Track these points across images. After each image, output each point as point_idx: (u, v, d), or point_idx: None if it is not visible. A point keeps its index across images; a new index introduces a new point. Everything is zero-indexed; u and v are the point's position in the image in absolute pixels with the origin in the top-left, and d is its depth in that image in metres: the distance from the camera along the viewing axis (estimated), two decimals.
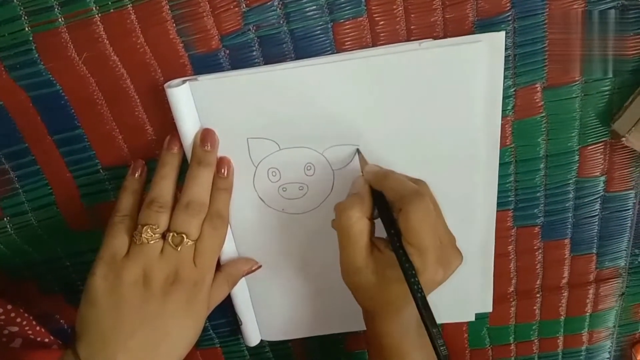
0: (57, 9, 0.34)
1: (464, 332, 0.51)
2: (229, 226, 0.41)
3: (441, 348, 0.31)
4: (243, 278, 0.43)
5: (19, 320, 0.44)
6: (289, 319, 0.48)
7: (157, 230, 0.36)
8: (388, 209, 0.35)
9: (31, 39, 0.34)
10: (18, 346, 0.44)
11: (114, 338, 0.34)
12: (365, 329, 0.41)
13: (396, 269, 0.34)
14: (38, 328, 0.46)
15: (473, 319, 0.48)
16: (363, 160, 0.38)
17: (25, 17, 0.34)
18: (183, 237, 0.36)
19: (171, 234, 0.36)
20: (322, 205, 0.41)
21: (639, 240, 0.45)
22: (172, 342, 0.36)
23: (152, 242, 0.36)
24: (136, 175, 0.39)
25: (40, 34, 0.34)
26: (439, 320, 0.48)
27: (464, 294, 0.46)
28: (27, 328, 0.45)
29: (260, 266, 0.44)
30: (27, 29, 0.34)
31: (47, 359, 0.46)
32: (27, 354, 0.44)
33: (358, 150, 0.38)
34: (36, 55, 0.35)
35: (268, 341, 0.50)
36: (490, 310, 0.47)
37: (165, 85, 0.35)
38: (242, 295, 0.45)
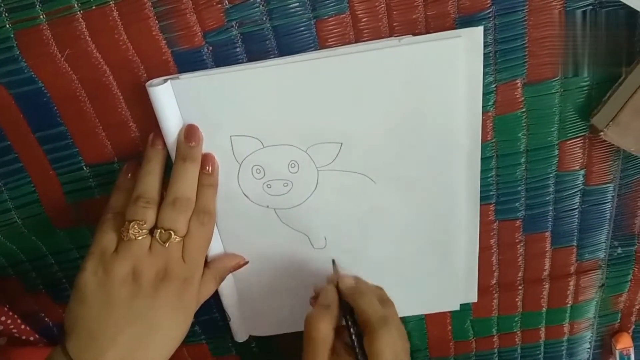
0: (39, 5, 0.33)
1: (447, 325, 0.51)
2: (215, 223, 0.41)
3: None
4: (230, 274, 0.44)
5: (3, 318, 0.44)
6: (276, 314, 0.48)
7: (144, 226, 0.36)
8: (356, 323, 0.37)
9: (12, 35, 0.34)
10: (3, 344, 0.44)
11: (103, 333, 0.34)
12: None
13: None
14: (23, 327, 0.45)
15: (458, 308, 0.48)
16: (337, 270, 0.40)
17: (6, 14, 0.34)
18: (171, 233, 0.36)
19: (159, 230, 0.36)
20: (307, 201, 0.41)
21: (618, 232, 0.46)
22: (161, 337, 0.36)
23: (139, 238, 0.35)
24: (129, 175, 0.38)
25: (22, 31, 0.34)
26: (425, 311, 0.49)
27: (449, 285, 0.46)
28: (12, 327, 0.45)
29: (247, 262, 0.44)
30: (8, 25, 0.34)
31: (33, 356, 0.46)
32: (13, 351, 0.44)
33: (333, 261, 0.42)
34: (17, 53, 0.35)
35: (255, 336, 0.50)
36: (476, 300, 0.48)
37: (147, 84, 0.35)
38: (229, 291, 0.46)
